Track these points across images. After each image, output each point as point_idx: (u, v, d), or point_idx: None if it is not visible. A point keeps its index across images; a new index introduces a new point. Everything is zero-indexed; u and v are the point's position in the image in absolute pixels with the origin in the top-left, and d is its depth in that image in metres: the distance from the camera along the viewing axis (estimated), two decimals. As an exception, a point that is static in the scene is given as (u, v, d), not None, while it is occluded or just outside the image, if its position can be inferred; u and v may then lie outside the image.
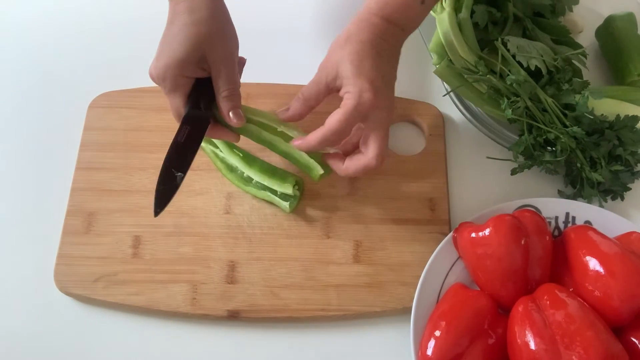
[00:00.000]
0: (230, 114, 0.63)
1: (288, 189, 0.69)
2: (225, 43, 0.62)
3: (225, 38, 0.63)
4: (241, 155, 0.72)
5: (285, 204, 0.70)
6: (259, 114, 0.67)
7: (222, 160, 0.72)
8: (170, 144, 0.61)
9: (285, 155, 0.67)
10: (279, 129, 0.66)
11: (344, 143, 0.65)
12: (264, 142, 0.66)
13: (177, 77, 0.61)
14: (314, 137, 0.61)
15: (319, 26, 0.87)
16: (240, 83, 0.66)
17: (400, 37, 0.62)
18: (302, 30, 0.86)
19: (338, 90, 0.61)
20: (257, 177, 0.70)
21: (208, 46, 0.60)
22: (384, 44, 0.60)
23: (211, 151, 0.73)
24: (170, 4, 0.62)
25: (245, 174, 0.71)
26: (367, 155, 0.61)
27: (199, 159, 0.74)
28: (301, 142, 0.62)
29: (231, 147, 0.73)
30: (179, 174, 0.60)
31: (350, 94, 0.58)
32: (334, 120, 0.59)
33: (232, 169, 0.72)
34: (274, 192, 0.70)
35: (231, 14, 0.88)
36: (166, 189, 0.60)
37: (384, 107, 0.60)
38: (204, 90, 0.63)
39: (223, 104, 0.63)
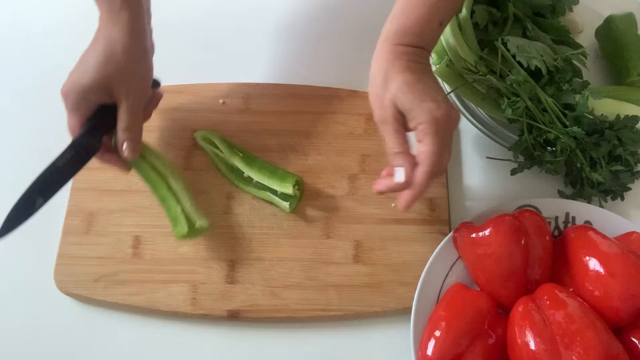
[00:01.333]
0: (124, 145, 0.64)
1: (288, 189, 0.69)
2: (132, 80, 0.63)
3: (134, 75, 0.63)
4: (241, 155, 0.72)
5: (285, 204, 0.70)
6: (156, 156, 0.68)
7: (223, 161, 0.72)
8: (46, 166, 0.61)
9: (162, 200, 0.67)
10: (166, 175, 0.68)
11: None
12: (149, 181, 0.68)
13: (78, 99, 0.62)
14: (421, 180, 0.58)
15: (319, 26, 0.86)
16: (148, 116, 0.68)
17: (426, 55, 0.62)
18: (303, 30, 0.86)
19: (411, 126, 0.60)
20: (257, 177, 0.70)
21: (115, 80, 0.62)
22: (417, 65, 0.61)
23: (211, 151, 0.73)
24: (99, 24, 0.63)
25: (245, 174, 0.71)
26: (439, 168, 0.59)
27: (199, 159, 0.74)
28: (411, 195, 0.59)
29: (231, 147, 0.73)
30: (41, 199, 0.60)
31: (425, 123, 0.58)
32: (428, 153, 0.58)
33: (232, 169, 0.72)
34: (274, 192, 0.70)
35: (231, 14, 0.89)
36: (19, 214, 0.59)
37: (452, 115, 0.59)
38: (110, 115, 0.63)
39: (120, 135, 0.64)
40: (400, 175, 0.59)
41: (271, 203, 0.71)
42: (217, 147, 0.73)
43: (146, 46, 0.65)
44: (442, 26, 0.62)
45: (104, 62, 0.61)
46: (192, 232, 0.66)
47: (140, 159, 0.67)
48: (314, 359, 0.65)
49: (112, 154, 0.66)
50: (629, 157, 0.70)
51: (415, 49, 0.61)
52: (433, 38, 0.62)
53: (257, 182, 0.70)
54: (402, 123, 0.60)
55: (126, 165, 0.67)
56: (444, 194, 0.72)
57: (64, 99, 0.63)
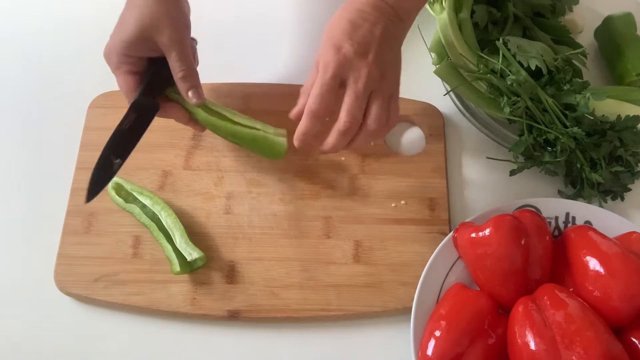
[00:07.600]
0: (189, 93, 0.65)
1: (282, 130, 0.68)
2: (172, 25, 0.63)
3: (173, 20, 0.63)
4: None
5: (283, 140, 0.68)
6: (145, 196, 0.70)
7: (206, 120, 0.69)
8: (113, 130, 0.63)
9: (157, 240, 0.68)
10: (157, 212, 0.69)
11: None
12: (142, 223, 0.69)
13: (121, 55, 0.63)
14: (302, 114, 0.60)
15: (319, 26, 0.86)
16: (197, 62, 0.69)
17: (389, 13, 0.60)
18: (303, 30, 0.86)
19: None
20: (248, 122, 0.69)
21: (154, 29, 0.62)
22: (365, 15, 0.59)
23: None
24: None
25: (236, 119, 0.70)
26: (339, 119, 0.58)
27: (200, 159, 0.74)
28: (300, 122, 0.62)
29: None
30: (118, 160, 0.62)
31: (317, 57, 0.59)
32: (310, 93, 0.59)
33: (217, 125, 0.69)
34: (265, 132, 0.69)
35: (232, 14, 0.89)
36: (101, 176, 0.62)
37: (359, 69, 0.57)
38: (161, 71, 0.64)
39: (181, 85, 0.65)
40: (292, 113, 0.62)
41: (261, 148, 0.69)
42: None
43: None
44: None
45: (138, 15, 0.62)
46: (186, 266, 0.66)
47: (132, 204, 0.69)
48: (313, 359, 0.65)
49: (177, 107, 0.67)
50: (630, 157, 0.70)
51: (382, 3, 0.59)
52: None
53: (248, 125, 0.69)
54: None
55: (191, 117, 0.67)
56: (444, 194, 0.72)
57: (107, 60, 0.64)
